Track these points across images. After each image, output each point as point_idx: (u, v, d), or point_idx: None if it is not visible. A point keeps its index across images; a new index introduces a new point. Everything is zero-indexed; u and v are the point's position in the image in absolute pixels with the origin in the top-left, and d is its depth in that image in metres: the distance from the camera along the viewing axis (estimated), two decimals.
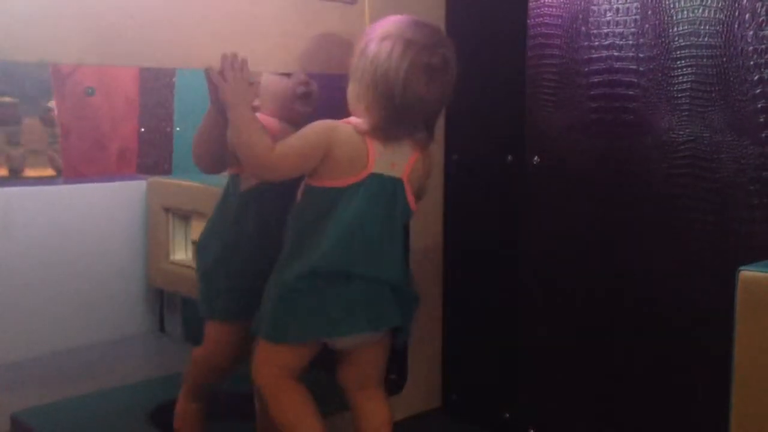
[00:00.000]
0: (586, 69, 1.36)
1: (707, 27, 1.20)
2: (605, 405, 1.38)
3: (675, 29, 1.24)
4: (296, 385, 1.19)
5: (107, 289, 2.08)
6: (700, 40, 1.21)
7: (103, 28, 1.09)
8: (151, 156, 2.33)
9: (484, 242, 1.58)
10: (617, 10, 1.31)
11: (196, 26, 1.18)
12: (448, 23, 1.58)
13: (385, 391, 1.27)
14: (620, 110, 1.32)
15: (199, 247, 1.39)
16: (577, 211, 1.39)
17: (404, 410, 1.56)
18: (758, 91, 1.16)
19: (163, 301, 2.20)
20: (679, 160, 1.25)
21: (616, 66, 1.31)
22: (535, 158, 1.44)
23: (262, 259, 1.28)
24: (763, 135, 1.16)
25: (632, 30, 1.29)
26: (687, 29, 1.23)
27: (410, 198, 1.20)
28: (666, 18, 1.25)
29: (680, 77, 1.24)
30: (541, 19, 1.41)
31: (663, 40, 1.25)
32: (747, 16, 1.16)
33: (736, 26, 1.17)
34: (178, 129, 2.23)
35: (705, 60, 1.21)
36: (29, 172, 2.12)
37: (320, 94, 1.37)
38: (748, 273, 0.93)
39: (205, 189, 1.85)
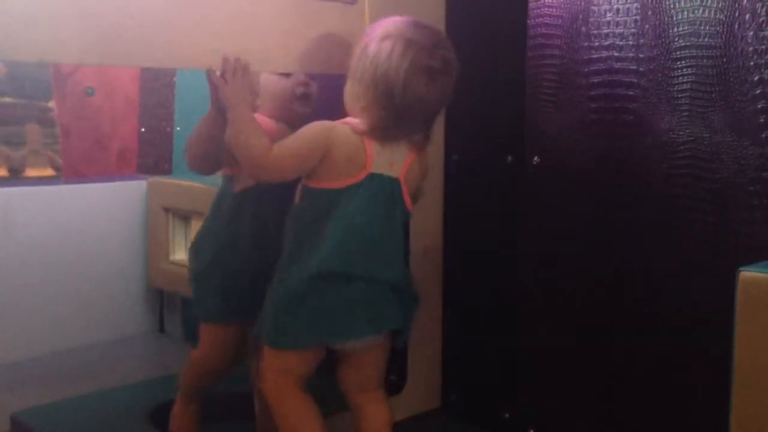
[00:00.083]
0: (586, 69, 1.36)
1: (707, 27, 1.20)
2: (605, 405, 1.38)
3: (675, 30, 1.24)
4: (300, 393, 1.19)
5: (107, 289, 2.08)
6: (701, 40, 1.21)
7: (103, 28, 1.09)
8: (152, 156, 2.33)
9: (484, 242, 1.58)
10: (617, 10, 1.31)
11: (196, 26, 1.18)
12: (448, 23, 1.58)
13: (385, 391, 1.26)
14: (620, 110, 1.32)
15: (194, 248, 1.39)
16: (577, 211, 1.39)
17: (404, 411, 1.56)
18: (758, 91, 1.16)
19: (163, 301, 2.20)
20: (679, 160, 1.25)
21: (616, 66, 1.32)
22: (535, 158, 1.44)
23: (256, 260, 1.28)
24: (763, 135, 1.16)
25: (632, 30, 1.29)
26: (687, 29, 1.23)
27: (407, 198, 1.20)
28: (666, 18, 1.25)
29: (680, 78, 1.24)
30: (541, 19, 1.41)
31: (663, 40, 1.25)
32: (747, 16, 1.16)
33: (736, 27, 1.17)
34: (178, 129, 2.23)
35: (705, 60, 1.21)
36: (29, 172, 2.12)
37: (320, 95, 1.37)
38: (748, 273, 0.93)
39: (205, 189, 1.85)
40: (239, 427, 1.46)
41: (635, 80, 1.30)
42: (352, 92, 1.18)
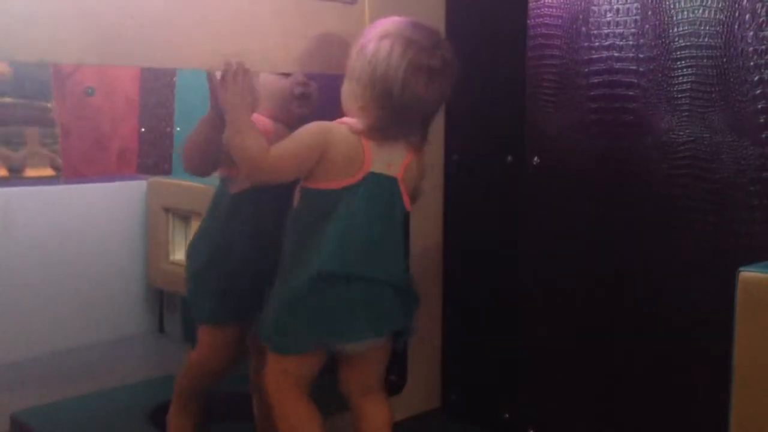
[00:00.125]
0: (586, 69, 1.36)
1: (707, 27, 1.20)
2: (605, 405, 1.38)
3: (675, 30, 1.24)
4: (302, 396, 1.18)
5: (107, 289, 2.08)
6: (701, 40, 1.21)
7: (103, 28, 1.08)
8: (151, 156, 2.33)
9: (484, 242, 1.58)
10: (617, 10, 1.31)
11: (196, 26, 1.18)
12: (448, 23, 1.58)
13: (385, 392, 1.26)
14: (620, 111, 1.32)
15: (190, 249, 1.39)
16: (577, 211, 1.39)
17: (404, 411, 1.56)
18: (758, 91, 1.16)
19: (162, 301, 2.20)
20: (679, 160, 1.25)
21: (616, 66, 1.32)
22: (535, 158, 1.44)
23: (253, 262, 1.28)
24: (763, 136, 1.16)
25: (632, 30, 1.29)
26: (687, 30, 1.23)
27: (405, 198, 1.20)
28: (666, 18, 1.25)
29: (680, 78, 1.24)
30: (541, 19, 1.41)
31: (663, 40, 1.25)
32: (747, 16, 1.16)
33: (736, 27, 1.17)
34: (178, 129, 2.23)
35: (705, 61, 1.21)
36: (29, 172, 2.12)
37: (320, 95, 1.37)
38: (747, 274, 0.93)
39: (205, 189, 1.85)
40: (239, 427, 1.46)
41: (635, 80, 1.30)
42: (349, 92, 1.17)
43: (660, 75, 1.26)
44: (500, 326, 1.56)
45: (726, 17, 1.18)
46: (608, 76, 1.33)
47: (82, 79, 2.25)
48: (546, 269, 1.45)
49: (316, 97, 1.36)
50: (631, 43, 1.30)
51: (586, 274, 1.39)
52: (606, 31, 1.33)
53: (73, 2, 1.06)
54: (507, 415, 1.55)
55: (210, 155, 1.30)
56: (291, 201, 1.22)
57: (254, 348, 1.36)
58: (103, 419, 1.54)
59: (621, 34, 1.31)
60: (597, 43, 1.34)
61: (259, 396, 1.43)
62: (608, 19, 1.32)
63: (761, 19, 1.14)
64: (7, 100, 2.10)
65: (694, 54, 1.22)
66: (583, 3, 1.36)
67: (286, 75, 1.34)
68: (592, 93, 1.36)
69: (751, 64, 1.16)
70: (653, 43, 1.27)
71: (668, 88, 1.26)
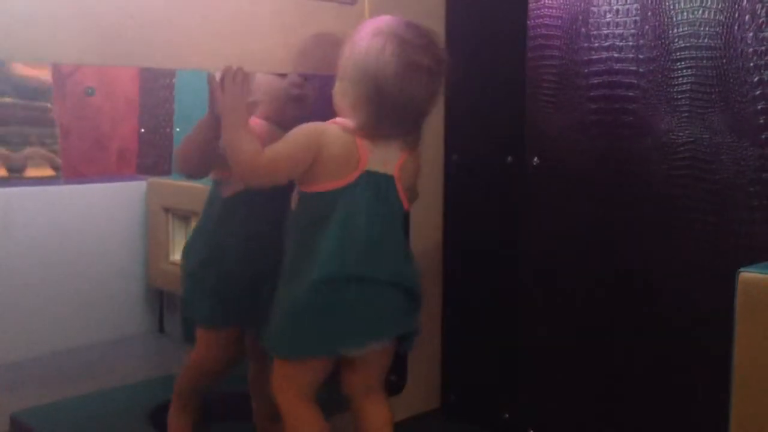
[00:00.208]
0: (586, 70, 1.36)
1: (707, 28, 1.20)
2: (605, 405, 1.39)
3: (675, 31, 1.24)
4: (308, 403, 1.17)
5: (107, 289, 2.08)
6: (700, 41, 1.21)
7: (103, 28, 1.08)
8: (151, 156, 2.33)
9: (484, 242, 1.59)
10: (617, 11, 1.31)
11: (196, 26, 1.18)
12: (448, 23, 1.59)
13: (385, 392, 1.26)
14: (620, 111, 1.32)
15: (185, 251, 1.39)
16: (577, 212, 1.39)
17: (404, 411, 1.56)
18: (758, 92, 1.16)
19: (162, 301, 2.20)
20: (679, 161, 1.25)
21: (616, 67, 1.32)
22: (535, 159, 1.44)
23: (246, 265, 1.28)
24: (763, 136, 1.16)
25: (632, 31, 1.29)
26: (687, 30, 1.23)
27: (402, 196, 1.19)
28: (666, 19, 1.25)
29: (680, 78, 1.24)
30: (541, 20, 1.41)
31: (663, 41, 1.26)
32: (747, 17, 1.16)
33: (735, 28, 1.17)
34: (177, 130, 2.23)
35: (705, 61, 1.21)
36: (29, 172, 2.12)
37: (319, 96, 1.36)
38: (747, 274, 0.93)
39: (204, 189, 1.83)
40: (239, 427, 1.46)
41: (635, 81, 1.30)
42: (341, 91, 1.16)
43: (660, 76, 1.26)
44: (500, 326, 1.56)
45: (726, 18, 1.18)
46: (608, 77, 1.33)
47: (82, 79, 2.25)
48: (546, 269, 1.45)
49: (311, 98, 1.35)
50: (630, 43, 1.30)
51: (586, 274, 1.39)
52: (606, 32, 1.33)
53: (73, 2, 1.06)
54: (507, 415, 1.55)
55: (207, 157, 1.29)
56: (283, 204, 1.21)
57: (253, 349, 1.36)
58: (103, 419, 1.53)
59: (621, 35, 1.31)
60: (597, 44, 1.34)
61: (258, 396, 1.44)
62: (608, 19, 1.32)
63: (761, 20, 1.15)
64: (7, 99, 2.10)
65: (694, 55, 1.22)
66: (582, 4, 1.36)
67: (282, 75, 1.33)
68: (592, 93, 1.36)
69: (751, 65, 1.16)
70: (653, 44, 1.27)
71: (668, 89, 1.26)
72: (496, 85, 1.53)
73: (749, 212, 1.18)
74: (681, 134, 1.25)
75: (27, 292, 1.93)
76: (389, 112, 1.13)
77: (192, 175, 1.37)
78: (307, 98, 1.34)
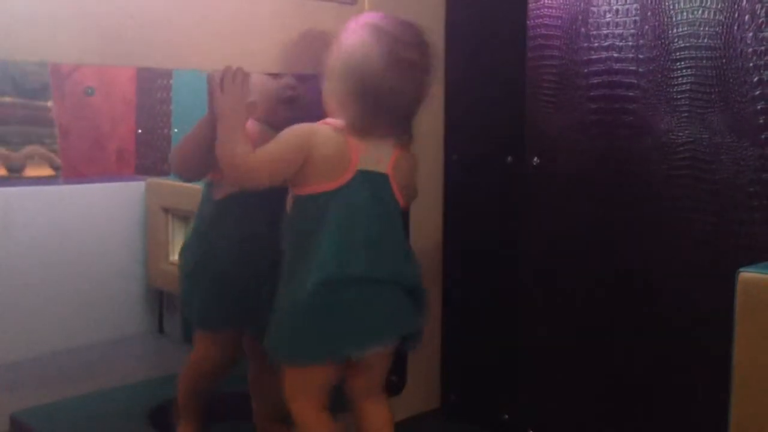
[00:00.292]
0: (586, 70, 1.36)
1: (707, 28, 1.20)
2: (605, 405, 1.39)
3: (674, 30, 1.24)
4: (319, 408, 1.16)
5: (107, 289, 2.08)
6: (700, 41, 1.21)
7: (103, 28, 1.08)
8: (149, 157, 2.33)
9: (484, 242, 1.59)
10: (617, 11, 1.31)
11: (196, 26, 1.18)
12: (448, 23, 1.59)
13: (385, 392, 1.26)
14: (620, 111, 1.32)
15: (182, 251, 1.38)
16: (577, 211, 1.39)
17: (404, 411, 1.56)
18: (758, 92, 1.16)
19: (162, 301, 2.20)
20: (679, 161, 1.25)
21: (616, 67, 1.32)
22: (535, 159, 1.44)
23: (239, 269, 1.27)
24: (763, 137, 1.16)
25: (632, 31, 1.29)
26: (686, 30, 1.23)
27: (397, 194, 1.18)
28: (666, 19, 1.25)
29: (680, 78, 1.24)
30: (541, 20, 1.42)
31: (662, 41, 1.26)
32: (746, 17, 1.16)
33: (735, 28, 1.17)
34: (176, 130, 2.23)
35: (704, 61, 1.21)
36: (28, 172, 2.13)
37: (315, 97, 1.35)
38: (747, 274, 0.93)
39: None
40: (239, 427, 1.46)
41: (635, 81, 1.30)
42: (330, 90, 1.15)
43: (659, 76, 1.26)
44: (500, 326, 1.56)
45: (725, 18, 1.18)
46: (608, 77, 1.33)
47: (81, 79, 2.25)
48: (546, 269, 1.45)
49: (304, 100, 1.33)
50: (630, 43, 1.30)
51: (586, 274, 1.39)
52: (605, 32, 1.33)
53: (73, 2, 1.06)
54: (507, 416, 1.55)
55: (206, 158, 1.27)
56: (276, 206, 1.19)
57: (253, 349, 1.36)
58: (103, 419, 1.53)
59: (620, 35, 1.31)
60: (596, 44, 1.34)
61: (258, 396, 1.44)
62: (608, 19, 1.32)
63: (761, 20, 1.15)
64: (7, 99, 2.10)
65: (694, 55, 1.22)
66: (582, 3, 1.36)
67: (276, 76, 1.32)
68: (591, 93, 1.36)
69: (751, 65, 1.16)
70: (653, 44, 1.27)
71: (668, 89, 1.26)
72: (496, 85, 1.53)
73: (749, 212, 1.18)
74: (681, 134, 1.25)
75: (27, 292, 1.93)
76: (378, 109, 1.12)
77: (189, 177, 1.35)
78: (299, 100, 1.33)
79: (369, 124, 1.13)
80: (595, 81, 1.35)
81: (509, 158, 1.51)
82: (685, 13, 1.23)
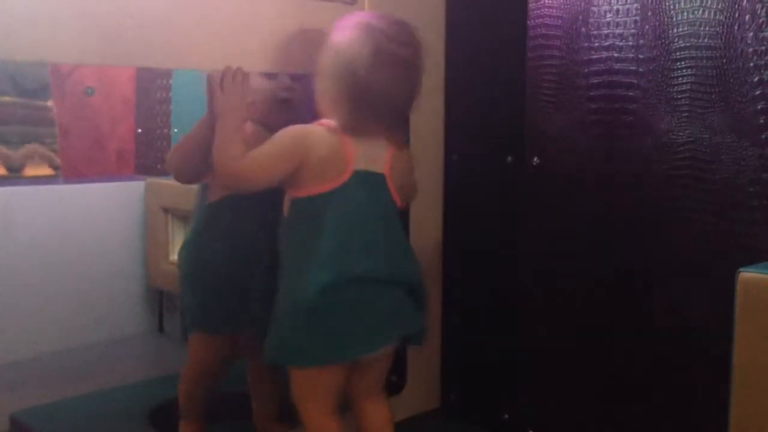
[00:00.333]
0: (586, 70, 1.36)
1: (707, 28, 1.20)
2: (605, 405, 1.39)
3: (675, 30, 1.24)
4: (327, 411, 1.15)
5: (107, 289, 2.08)
6: (700, 41, 1.21)
7: (103, 28, 1.08)
8: (149, 157, 2.33)
9: (484, 242, 1.59)
10: (617, 11, 1.31)
11: (196, 26, 1.18)
12: (448, 23, 1.59)
13: (385, 392, 1.26)
14: (620, 111, 1.32)
15: (179, 253, 1.38)
16: (577, 212, 1.39)
17: (404, 411, 1.56)
18: (758, 92, 1.16)
19: (162, 301, 2.20)
20: (679, 161, 1.25)
21: (616, 67, 1.32)
22: (535, 159, 1.44)
23: (233, 272, 1.27)
24: (763, 136, 1.16)
25: (632, 31, 1.29)
26: (687, 30, 1.23)
27: (394, 194, 1.17)
28: (666, 19, 1.25)
29: (680, 78, 1.24)
30: (541, 20, 1.41)
31: (663, 41, 1.26)
32: (747, 17, 1.16)
33: (735, 28, 1.17)
34: (175, 130, 2.23)
35: (705, 61, 1.21)
36: (28, 172, 2.12)
37: (311, 97, 1.34)
38: (747, 274, 0.93)
39: None
40: (239, 427, 1.46)
41: (635, 81, 1.30)
42: (322, 89, 1.15)
43: (660, 76, 1.26)
44: (500, 326, 1.56)
45: (726, 18, 1.18)
46: (608, 77, 1.33)
47: (81, 79, 2.25)
48: (546, 269, 1.45)
49: (299, 101, 1.32)
50: (630, 43, 1.30)
51: (586, 274, 1.39)
52: (606, 32, 1.33)
53: (73, 2, 1.06)
54: (507, 416, 1.56)
55: (205, 159, 1.26)
56: (270, 209, 1.19)
57: (252, 350, 1.36)
58: (103, 419, 1.53)
59: (621, 35, 1.31)
60: (597, 44, 1.34)
61: (258, 396, 1.44)
62: (608, 19, 1.32)
63: (761, 20, 1.15)
64: (7, 99, 2.10)
65: (694, 55, 1.22)
66: (583, 3, 1.36)
67: (271, 77, 1.31)
68: (592, 93, 1.36)
69: (751, 65, 1.16)
70: (653, 44, 1.27)
71: (668, 89, 1.26)
72: (496, 85, 1.53)
73: (749, 212, 1.18)
74: (681, 134, 1.25)
75: (27, 292, 1.93)
76: (370, 107, 1.11)
77: (188, 179, 1.35)
78: (294, 100, 1.32)
79: (362, 123, 1.12)
80: (596, 81, 1.35)
81: (509, 158, 1.51)
82: (685, 13, 1.23)
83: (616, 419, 1.37)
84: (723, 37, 1.18)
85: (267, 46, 1.26)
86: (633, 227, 1.32)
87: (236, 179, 1.14)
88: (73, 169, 2.25)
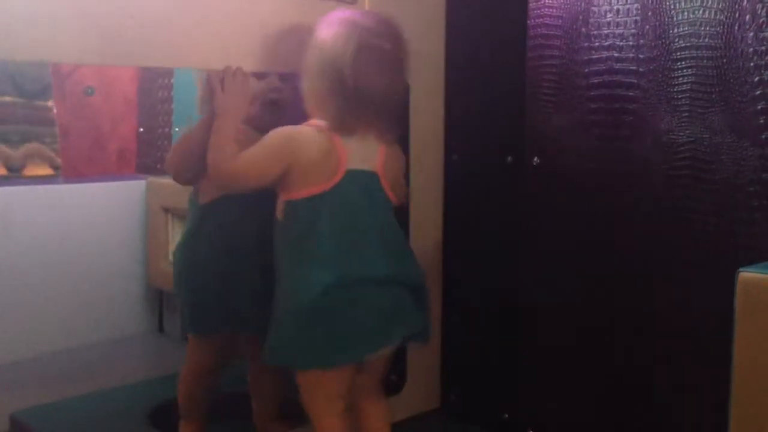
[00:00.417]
0: (586, 70, 1.36)
1: (707, 28, 1.20)
2: (605, 405, 1.39)
3: (675, 30, 1.24)
4: (334, 412, 1.14)
5: (107, 289, 2.08)
6: (701, 41, 1.21)
7: (103, 28, 1.09)
8: (150, 156, 2.33)
9: (484, 242, 1.58)
10: (617, 11, 1.31)
11: (196, 26, 1.18)
12: (448, 23, 1.59)
13: (383, 391, 1.26)
14: (620, 111, 1.32)
15: (173, 255, 1.39)
16: (577, 212, 1.39)
17: (404, 411, 1.56)
18: (758, 92, 1.16)
19: (162, 300, 2.21)
20: (679, 161, 1.25)
21: (616, 67, 1.32)
22: (535, 159, 1.44)
23: (224, 275, 1.27)
24: (763, 137, 1.16)
25: (632, 31, 1.29)
26: (687, 30, 1.23)
27: (389, 192, 1.17)
28: (666, 19, 1.25)
29: (680, 78, 1.24)
30: (541, 19, 1.41)
31: (663, 41, 1.26)
32: (747, 17, 1.16)
33: (736, 28, 1.17)
34: (177, 129, 2.23)
35: (705, 61, 1.21)
36: (28, 171, 2.13)
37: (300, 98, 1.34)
38: (747, 274, 0.93)
39: None
40: (239, 427, 1.46)
41: (635, 81, 1.30)
42: (308, 88, 1.14)
43: (660, 75, 1.26)
44: (500, 326, 1.56)
45: (726, 18, 1.18)
46: (608, 77, 1.33)
47: (81, 79, 2.25)
48: (546, 269, 1.45)
49: (289, 102, 1.32)
50: (631, 43, 1.30)
51: (586, 274, 1.39)
52: (606, 32, 1.33)
53: (73, 2, 1.06)
54: (507, 415, 1.55)
55: (204, 159, 1.27)
56: (261, 211, 1.18)
57: (252, 350, 1.36)
58: (103, 419, 1.54)
59: (621, 35, 1.31)
60: (597, 44, 1.34)
61: (258, 396, 1.44)
62: (608, 19, 1.32)
63: (761, 20, 1.15)
64: (7, 99, 2.10)
65: (694, 55, 1.22)
66: (583, 3, 1.36)
67: (260, 78, 1.31)
68: (592, 93, 1.36)
69: (751, 65, 1.16)
70: (653, 44, 1.27)
71: (668, 89, 1.26)
72: (496, 85, 1.53)
73: (749, 212, 1.18)
74: (681, 134, 1.25)
75: (27, 292, 1.93)
76: (356, 102, 1.11)
77: (187, 180, 1.34)
78: (284, 102, 1.32)
79: (350, 121, 1.12)
80: (596, 81, 1.35)
81: (509, 158, 1.51)
82: (685, 13, 1.23)
83: (616, 419, 1.37)
84: (723, 37, 1.18)
85: (267, 46, 1.26)
86: (633, 227, 1.32)
87: (229, 178, 1.14)
88: (73, 169, 2.25)
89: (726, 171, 1.20)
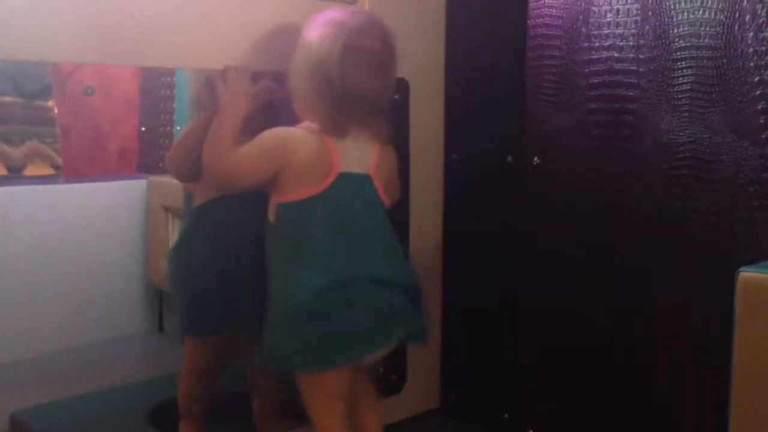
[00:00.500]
0: (586, 70, 1.36)
1: (707, 28, 1.20)
2: (605, 405, 1.39)
3: (675, 30, 1.24)
4: (335, 413, 1.14)
5: (107, 289, 2.08)
6: (701, 41, 1.21)
7: (103, 28, 1.09)
8: (152, 155, 2.33)
9: (484, 242, 1.59)
10: (617, 11, 1.31)
11: (196, 26, 1.18)
12: (448, 23, 1.59)
13: (379, 392, 1.26)
14: (620, 111, 1.32)
15: (168, 257, 1.39)
16: (577, 212, 1.39)
17: (403, 411, 1.56)
18: (758, 92, 1.16)
19: (162, 300, 2.20)
20: (679, 161, 1.25)
21: (616, 67, 1.32)
22: (535, 159, 1.44)
23: (218, 277, 1.27)
24: (763, 136, 1.16)
25: (632, 31, 1.29)
26: (687, 30, 1.23)
27: (382, 194, 1.16)
28: (666, 19, 1.25)
29: (680, 78, 1.24)
30: (541, 19, 1.41)
31: (663, 41, 1.26)
32: (747, 17, 1.16)
33: (736, 28, 1.17)
34: (178, 128, 2.23)
35: (705, 61, 1.21)
36: (29, 171, 2.13)
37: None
38: (747, 274, 0.93)
39: None
40: (239, 427, 1.46)
41: (635, 81, 1.30)
42: (296, 90, 1.14)
43: (660, 75, 1.26)
44: (500, 326, 1.56)
45: (726, 18, 1.18)
46: (608, 77, 1.33)
47: (82, 79, 2.25)
48: (546, 269, 1.45)
49: (281, 104, 1.31)
50: (631, 43, 1.30)
51: (586, 274, 1.39)
52: (606, 32, 1.33)
53: (73, 2, 1.06)
54: (507, 415, 1.56)
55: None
56: (254, 213, 1.18)
57: (252, 350, 1.36)
58: (103, 419, 1.54)
59: (621, 35, 1.31)
60: (597, 44, 1.34)
61: (258, 396, 1.44)
62: (608, 19, 1.32)
63: (761, 20, 1.14)
64: (7, 99, 2.10)
65: (694, 55, 1.22)
66: (583, 3, 1.36)
67: (258, 78, 1.31)
68: (592, 93, 1.36)
69: (751, 65, 1.16)
70: (653, 44, 1.27)
71: (668, 89, 1.26)
72: (496, 85, 1.53)
73: (749, 212, 1.18)
74: (681, 134, 1.25)
75: (27, 292, 1.93)
76: (345, 103, 1.10)
77: (188, 177, 1.34)
78: (277, 104, 1.32)
79: (340, 122, 1.11)
80: (596, 81, 1.35)
81: (509, 158, 1.51)
82: (685, 13, 1.23)
83: (616, 419, 1.37)
84: (723, 37, 1.18)
85: (267, 46, 1.26)
86: (633, 227, 1.32)
87: (222, 175, 1.14)
88: (74, 169, 2.25)
89: (726, 171, 1.20)
